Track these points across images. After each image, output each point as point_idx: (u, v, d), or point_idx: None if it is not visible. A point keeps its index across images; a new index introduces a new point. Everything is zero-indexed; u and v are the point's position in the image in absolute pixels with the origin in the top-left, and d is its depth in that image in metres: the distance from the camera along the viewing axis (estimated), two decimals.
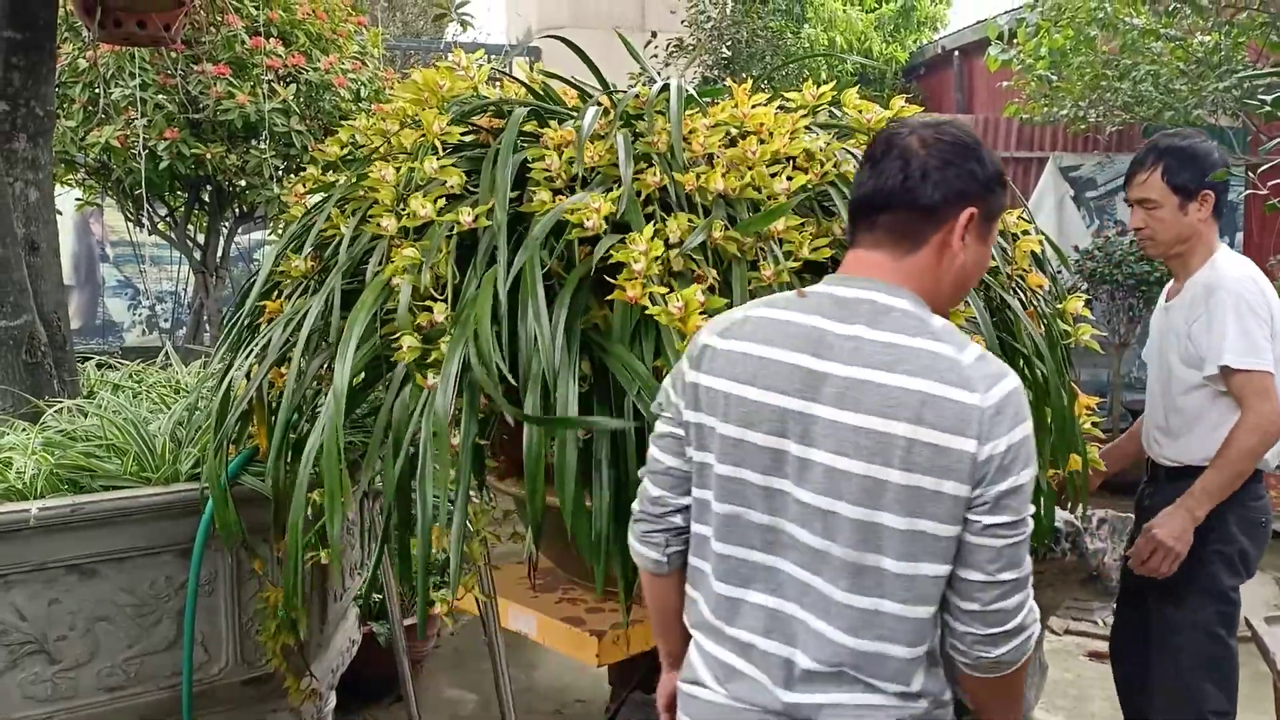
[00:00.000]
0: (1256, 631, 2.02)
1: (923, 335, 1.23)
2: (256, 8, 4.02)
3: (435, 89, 1.84)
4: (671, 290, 1.49)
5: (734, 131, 1.76)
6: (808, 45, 8.12)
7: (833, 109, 2.00)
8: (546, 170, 1.66)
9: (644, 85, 1.87)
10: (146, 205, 4.23)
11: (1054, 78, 6.89)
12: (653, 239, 1.50)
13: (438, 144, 1.72)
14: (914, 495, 1.19)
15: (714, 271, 1.54)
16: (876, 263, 1.29)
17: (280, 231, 4.67)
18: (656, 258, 1.48)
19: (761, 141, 1.72)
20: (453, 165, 1.71)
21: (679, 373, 1.34)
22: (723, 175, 1.63)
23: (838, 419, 1.23)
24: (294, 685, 2.14)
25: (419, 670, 3.61)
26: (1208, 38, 6.34)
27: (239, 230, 4.82)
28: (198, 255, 4.60)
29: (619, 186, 1.63)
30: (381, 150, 1.86)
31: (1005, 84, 7.41)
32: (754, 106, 1.78)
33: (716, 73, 6.74)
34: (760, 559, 1.30)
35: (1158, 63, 6.49)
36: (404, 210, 1.64)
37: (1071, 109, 6.88)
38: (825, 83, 2.00)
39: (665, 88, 1.81)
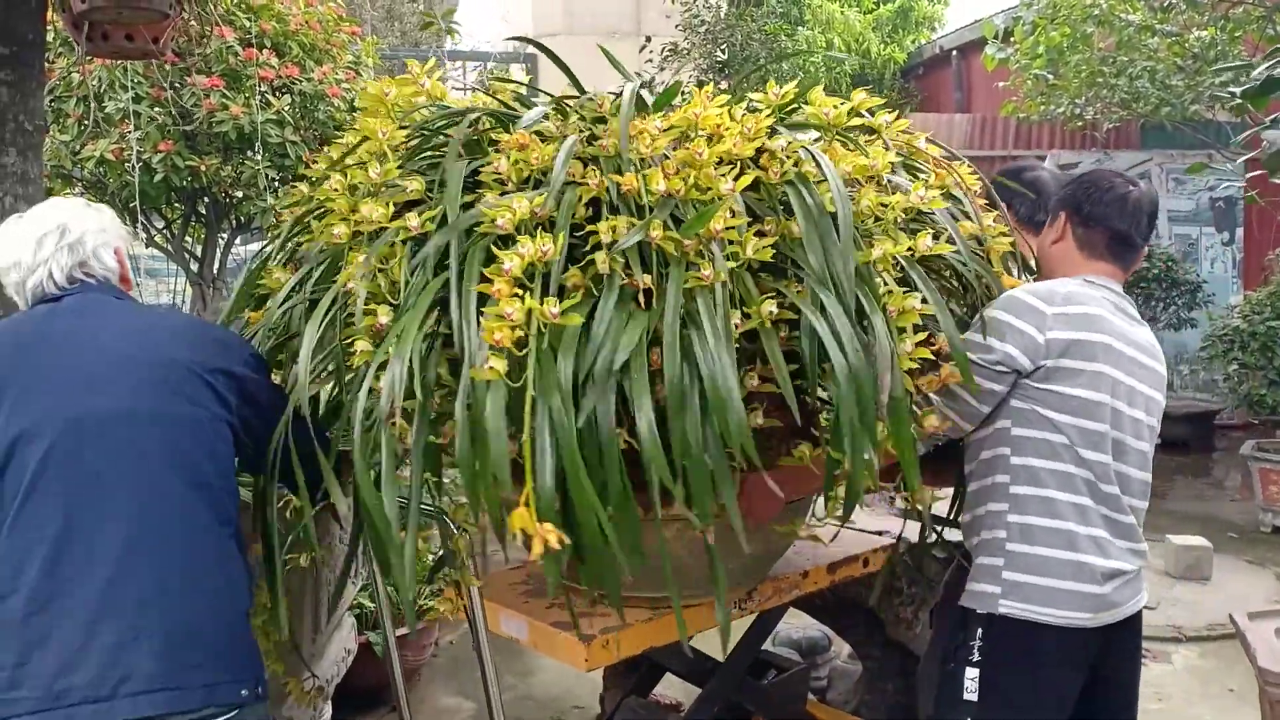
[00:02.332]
0: (1239, 627, 2.01)
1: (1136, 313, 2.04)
2: (250, 19, 4.03)
3: (382, 98, 1.85)
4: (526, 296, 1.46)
5: (691, 134, 1.73)
6: (805, 47, 8.13)
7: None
8: (496, 173, 1.67)
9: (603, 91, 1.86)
10: (142, 218, 4.24)
11: (1050, 76, 6.89)
12: (554, 244, 1.49)
13: (388, 151, 1.73)
14: (1162, 408, 2.01)
15: (648, 276, 1.51)
16: (1118, 276, 2.02)
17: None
18: (540, 261, 1.48)
19: (713, 142, 1.70)
20: (416, 172, 1.71)
21: (1023, 334, 1.85)
22: (668, 177, 1.61)
23: (1148, 364, 1.96)
24: (295, 686, 2.14)
25: (416, 679, 3.61)
26: (1204, 33, 6.33)
27: (237, 241, 4.83)
28: (195, 267, 4.62)
29: (578, 188, 1.62)
30: (351, 160, 1.85)
31: (1002, 84, 7.42)
32: (719, 108, 1.75)
33: (711, 76, 6.75)
34: (1112, 464, 1.89)
35: (1154, 58, 6.48)
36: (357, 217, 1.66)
37: (1068, 106, 6.88)
38: (825, 85, 1.99)
39: (635, 91, 1.80)
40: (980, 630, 1.93)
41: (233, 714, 1.50)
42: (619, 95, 1.77)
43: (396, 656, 2.43)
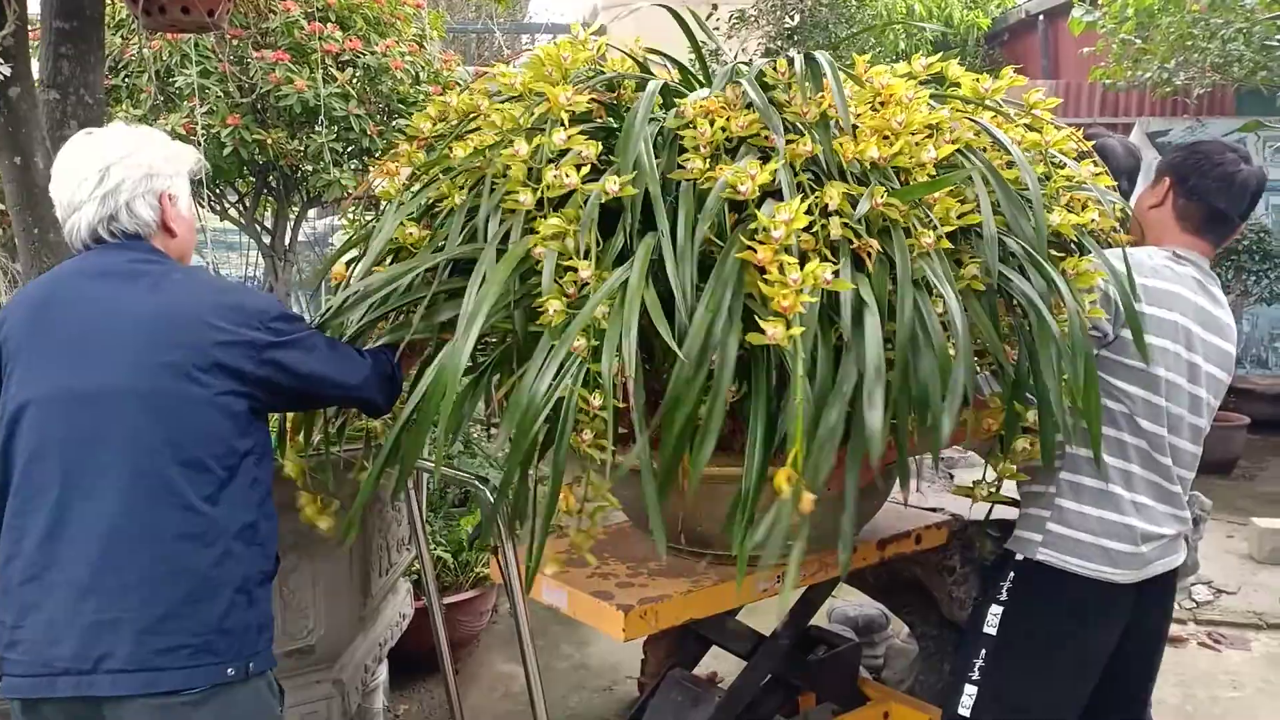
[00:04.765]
0: None
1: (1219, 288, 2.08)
2: None
3: (559, 62, 1.86)
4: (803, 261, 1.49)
5: (874, 102, 1.79)
6: (884, 14, 7.92)
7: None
8: (697, 139, 1.67)
9: (782, 58, 1.88)
10: (212, 190, 4.33)
11: (1138, 40, 6.60)
12: (804, 211, 1.52)
13: (564, 116, 1.72)
14: (1223, 385, 2.05)
15: (875, 241, 1.56)
16: (1208, 252, 2.06)
17: (349, 216, 4.72)
18: (802, 229, 1.52)
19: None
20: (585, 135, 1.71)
21: (1109, 298, 1.83)
22: (883, 143, 1.66)
23: (1218, 344, 2.01)
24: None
25: (474, 644, 3.66)
26: None
27: (312, 215, 4.91)
28: (267, 240, 4.71)
29: (773, 156, 1.65)
30: (483, 125, 1.86)
31: (1087, 49, 7.13)
32: (895, 77, 1.82)
33: (780, 44, 6.63)
34: (1168, 436, 1.96)
35: (1250, 19, 6.15)
36: (537, 184, 1.66)
37: (1157, 72, 6.58)
38: (905, 51, 2.06)
39: (810, 59, 1.81)
40: (1012, 574, 2.05)
41: (215, 689, 1.50)
42: (793, 62, 1.81)
43: (441, 622, 2.47)
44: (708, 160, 1.66)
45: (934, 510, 2.49)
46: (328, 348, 1.68)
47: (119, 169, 1.59)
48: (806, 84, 1.76)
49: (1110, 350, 1.93)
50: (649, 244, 1.57)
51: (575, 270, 1.56)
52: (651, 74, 2.02)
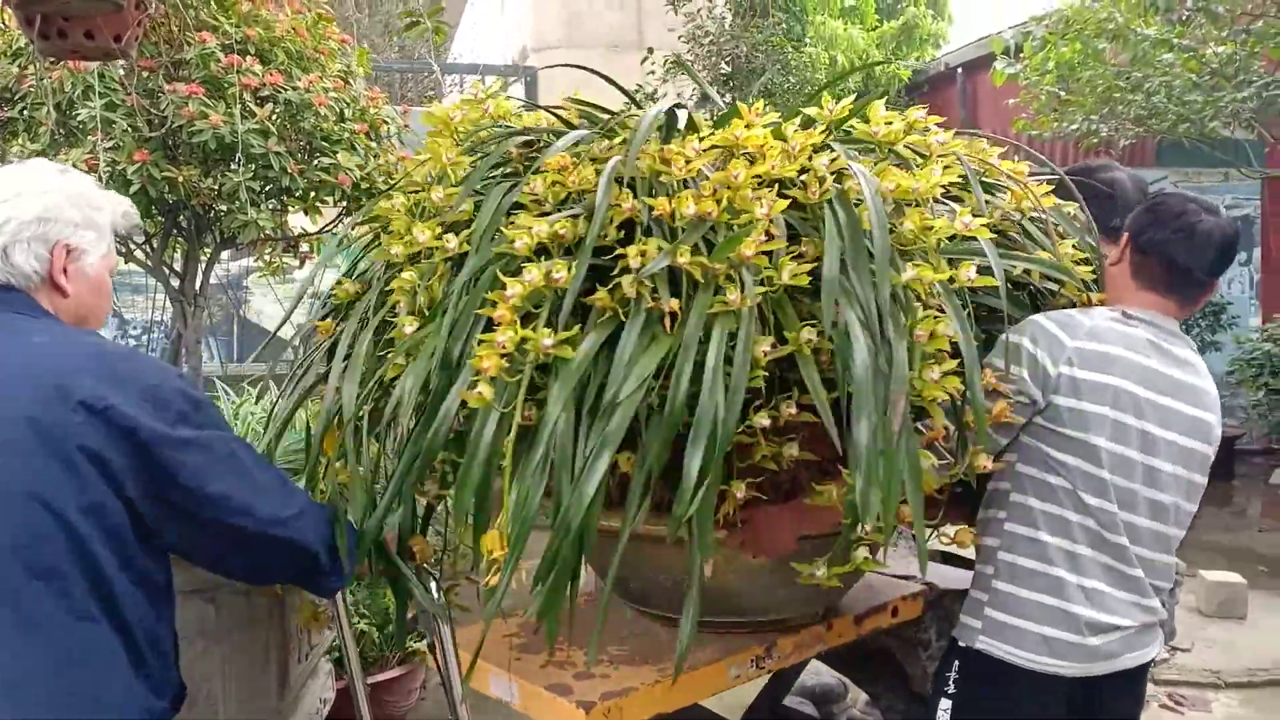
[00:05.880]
0: None
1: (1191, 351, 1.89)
2: (234, 25, 3.83)
3: (447, 123, 1.88)
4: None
5: (735, 154, 1.67)
6: (809, 62, 7.96)
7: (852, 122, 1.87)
8: (532, 194, 1.64)
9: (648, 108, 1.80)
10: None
11: (1062, 92, 6.71)
12: (563, 270, 1.49)
13: (450, 172, 1.77)
14: (1206, 459, 1.85)
15: (675, 300, 1.46)
16: (1171, 311, 1.86)
17: (265, 258, 4.50)
18: (551, 288, 1.50)
19: (753, 162, 1.63)
20: (477, 193, 1.73)
21: (1037, 362, 1.74)
22: (699, 199, 1.55)
23: (1181, 410, 1.81)
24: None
25: None
26: (1222, 48, 6.15)
27: (225, 258, 4.62)
28: (175, 283, 4.40)
29: (609, 211, 1.59)
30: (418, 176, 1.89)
31: (1012, 101, 7.24)
32: (765, 126, 1.69)
33: (715, 89, 6.58)
34: (1119, 513, 1.77)
35: (1170, 74, 6.29)
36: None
37: (1083, 123, 6.69)
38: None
39: (669, 110, 1.74)
40: (957, 662, 1.92)
41: None
42: (670, 113, 1.75)
43: (365, 705, 2.21)
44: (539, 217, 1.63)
45: (907, 578, 2.33)
46: (246, 457, 1.40)
47: (4, 209, 1.35)
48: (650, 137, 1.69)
49: (1044, 418, 1.77)
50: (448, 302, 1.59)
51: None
52: (573, 126, 1.95)
